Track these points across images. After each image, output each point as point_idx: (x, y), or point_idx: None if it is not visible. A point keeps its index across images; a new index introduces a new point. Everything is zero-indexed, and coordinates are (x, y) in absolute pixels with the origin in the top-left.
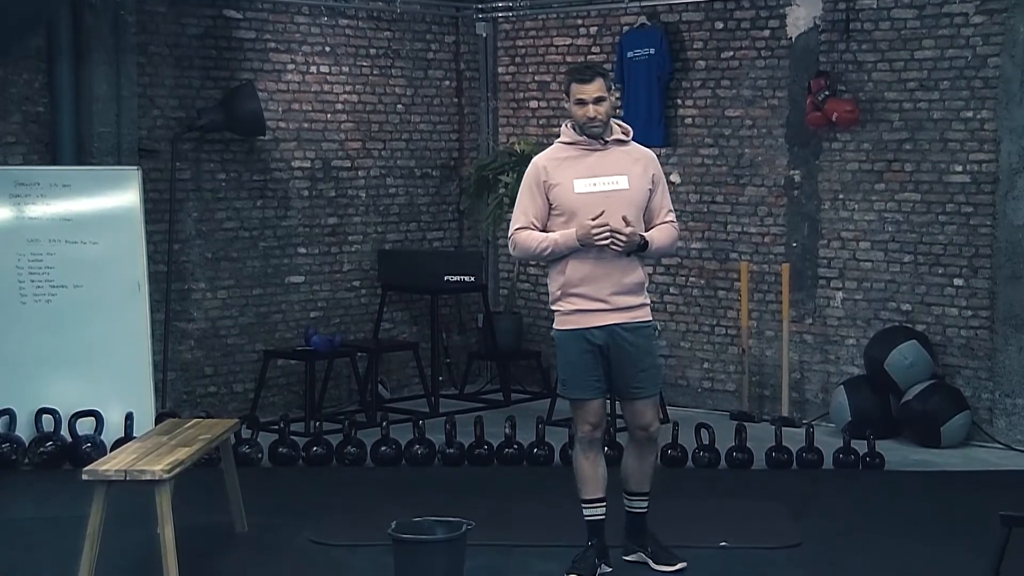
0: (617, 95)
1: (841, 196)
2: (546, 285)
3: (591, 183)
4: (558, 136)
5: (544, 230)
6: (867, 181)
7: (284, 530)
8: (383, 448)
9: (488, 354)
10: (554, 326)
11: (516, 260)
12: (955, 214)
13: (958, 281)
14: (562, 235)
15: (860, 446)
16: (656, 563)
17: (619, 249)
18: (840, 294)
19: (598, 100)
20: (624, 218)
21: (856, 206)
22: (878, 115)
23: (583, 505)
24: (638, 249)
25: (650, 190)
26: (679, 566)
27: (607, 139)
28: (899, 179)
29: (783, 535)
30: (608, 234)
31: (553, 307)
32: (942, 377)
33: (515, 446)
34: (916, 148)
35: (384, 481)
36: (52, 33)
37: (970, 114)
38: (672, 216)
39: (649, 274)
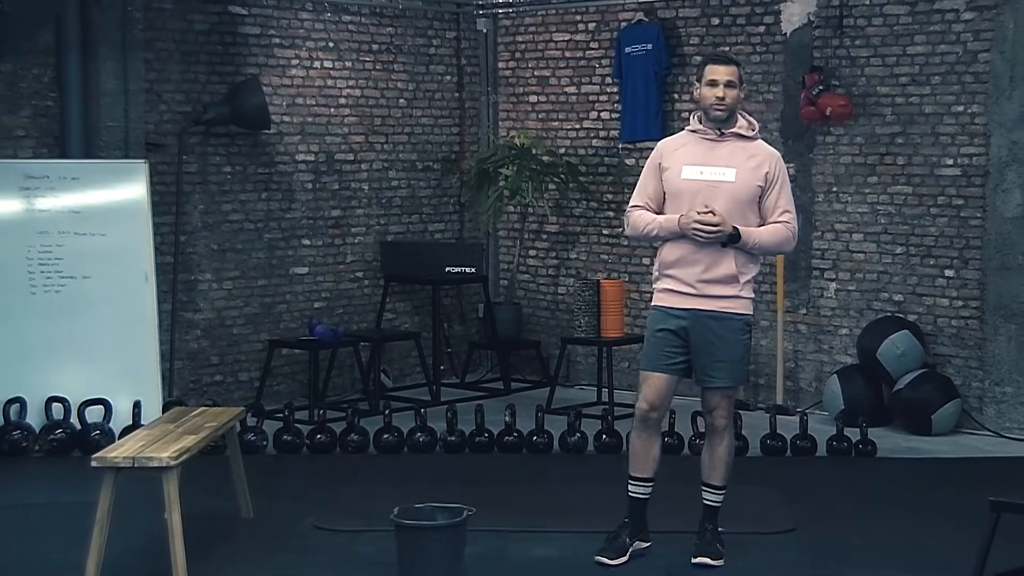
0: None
1: (835, 189)
2: (545, 277)
3: (699, 171)
4: (559, 129)
5: (660, 212)
6: (860, 174)
7: (289, 516)
8: (385, 436)
9: (488, 344)
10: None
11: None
12: (946, 206)
13: (949, 272)
14: (667, 219)
15: (853, 434)
16: (695, 554)
17: (703, 239)
18: (833, 285)
19: (729, 84)
20: (713, 210)
21: (849, 198)
22: (871, 109)
23: (628, 480)
24: (729, 241)
25: (760, 187)
26: (711, 561)
27: (725, 131)
28: (891, 172)
29: (777, 520)
30: (696, 226)
31: (653, 286)
32: (933, 366)
33: (515, 434)
34: (908, 142)
35: (387, 468)
36: (61, 29)
37: (961, 108)
38: (788, 217)
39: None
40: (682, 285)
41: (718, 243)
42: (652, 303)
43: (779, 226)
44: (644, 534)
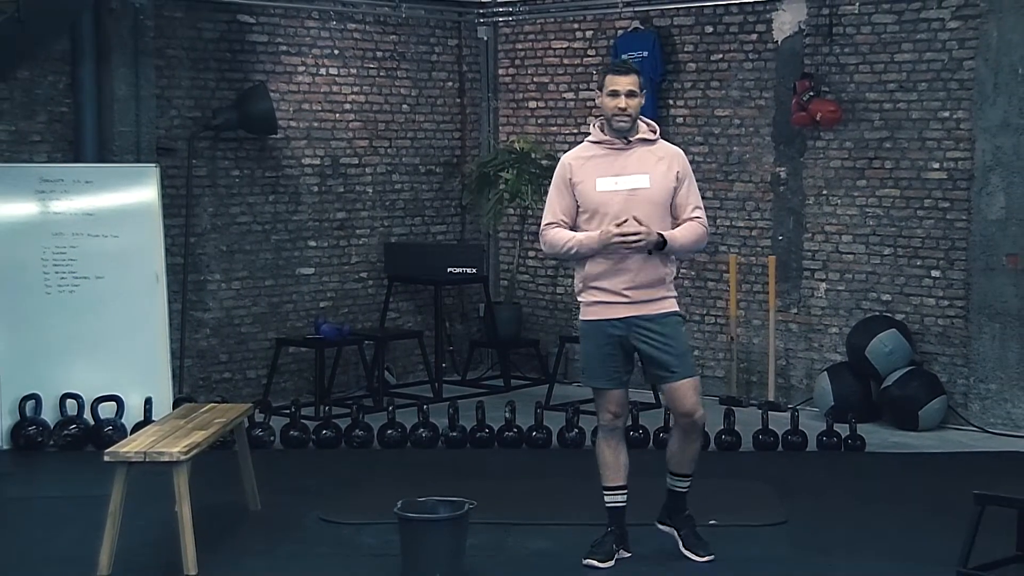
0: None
1: (825, 192)
2: (544, 277)
3: (613, 182)
4: (558, 134)
5: (574, 227)
6: (849, 177)
7: (295, 509)
8: (389, 431)
9: (489, 342)
10: (579, 317)
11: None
12: (932, 209)
13: (935, 272)
14: (587, 236)
15: (842, 429)
16: (685, 547)
17: (628, 250)
18: (824, 285)
19: (630, 94)
20: (635, 217)
21: (839, 201)
22: (860, 115)
23: (604, 492)
24: (655, 248)
25: (674, 187)
26: (706, 558)
27: (631, 138)
28: (879, 176)
29: (769, 513)
30: (619, 239)
31: (578, 298)
32: (920, 364)
33: (515, 430)
34: (896, 146)
35: (390, 463)
36: (75, 37)
37: (946, 114)
38: (699, 212)
39: None
40: (613, 296)
41: (644, 251)
42: (582, 316)
43: (694, 224)
44: (626, 543)
